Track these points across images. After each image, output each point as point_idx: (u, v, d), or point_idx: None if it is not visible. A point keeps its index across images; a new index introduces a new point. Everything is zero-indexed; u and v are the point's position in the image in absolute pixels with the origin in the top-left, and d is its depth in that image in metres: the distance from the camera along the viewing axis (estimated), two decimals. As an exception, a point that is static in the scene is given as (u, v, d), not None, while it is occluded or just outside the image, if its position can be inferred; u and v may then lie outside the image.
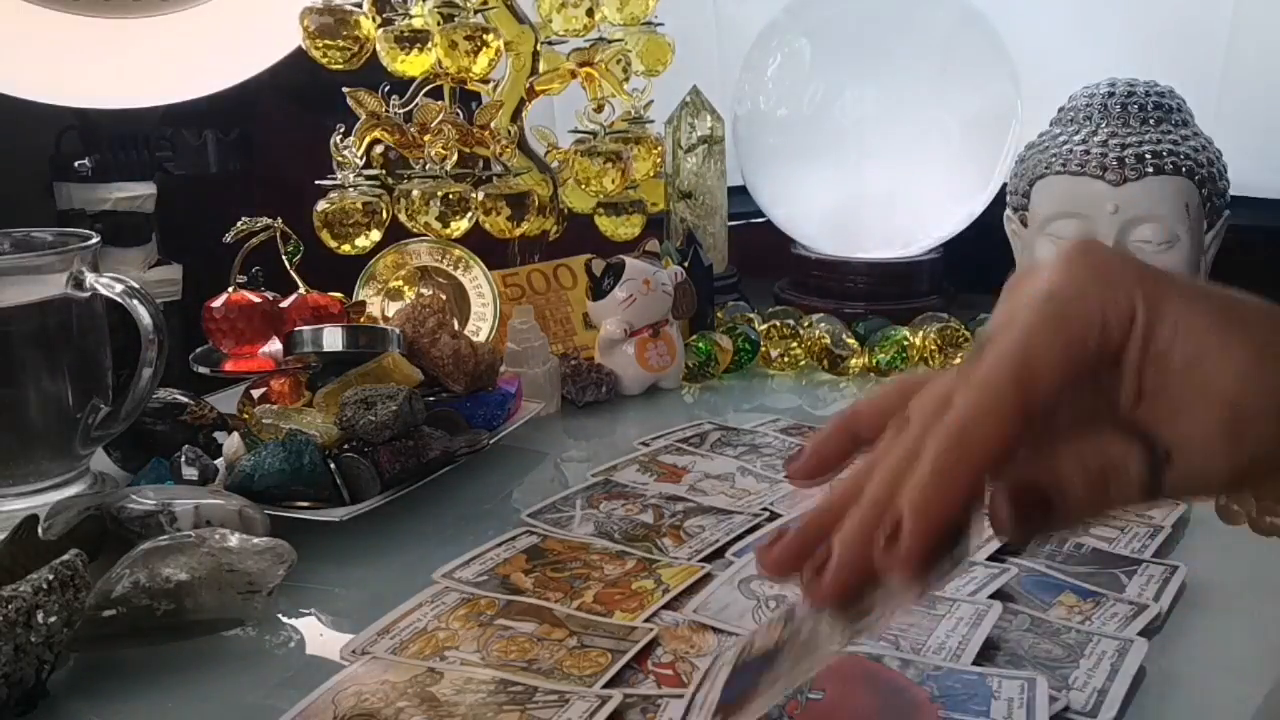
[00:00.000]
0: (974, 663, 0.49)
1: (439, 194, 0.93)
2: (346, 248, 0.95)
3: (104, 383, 0.70)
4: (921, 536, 0.32)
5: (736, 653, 0.39)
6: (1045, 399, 0.32)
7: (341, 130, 0.94)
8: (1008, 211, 1.05)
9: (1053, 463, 0.33)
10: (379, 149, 0.99)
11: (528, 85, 1.03)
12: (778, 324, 0.99)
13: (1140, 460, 0.33)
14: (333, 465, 0.65)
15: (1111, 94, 0.98)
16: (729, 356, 0.96)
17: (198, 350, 0.82)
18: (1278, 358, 0.32)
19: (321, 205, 0.94)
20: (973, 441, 0.32)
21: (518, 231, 0.98)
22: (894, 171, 1.05)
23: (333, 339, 0.75)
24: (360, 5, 0.97)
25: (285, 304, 0.82)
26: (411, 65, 0.95)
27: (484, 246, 0.95)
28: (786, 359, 0.98)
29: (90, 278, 0.66)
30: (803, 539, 0.36)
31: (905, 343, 0.95)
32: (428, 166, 0.94)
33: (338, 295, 0.85)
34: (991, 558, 0.60)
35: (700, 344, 0.95)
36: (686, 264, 0.97)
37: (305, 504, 0.64)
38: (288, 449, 0.64)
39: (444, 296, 0.89)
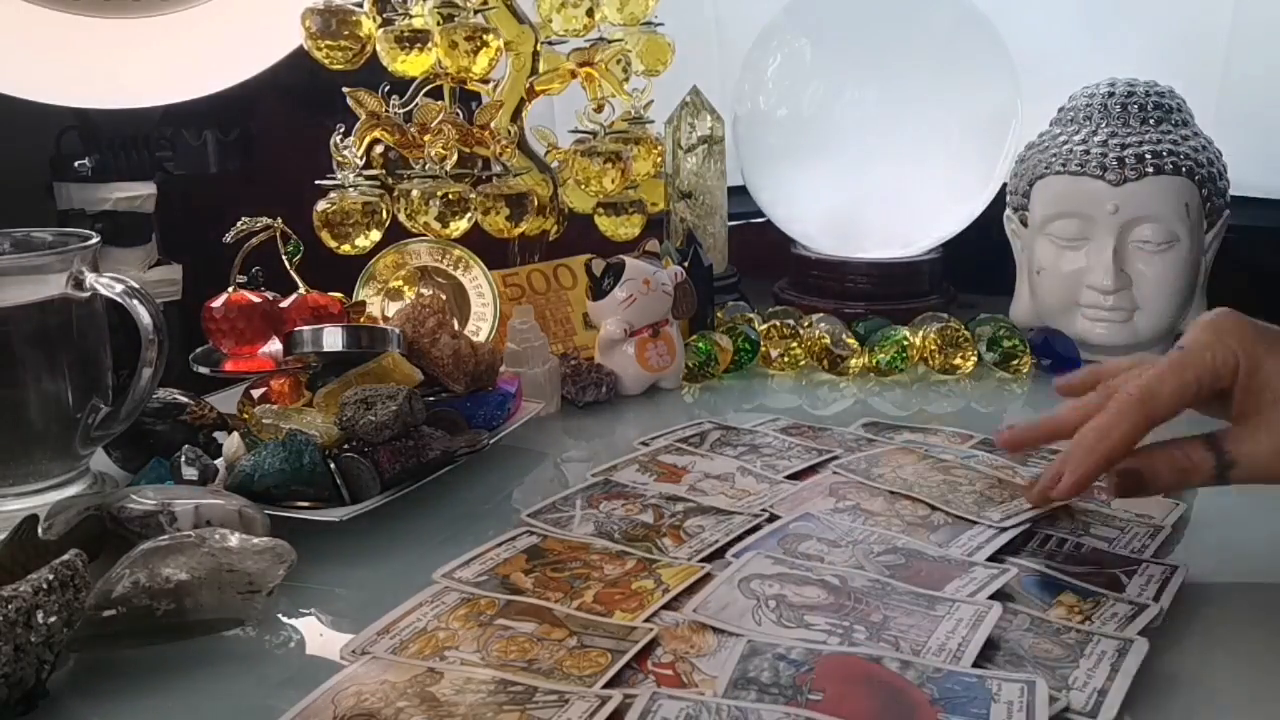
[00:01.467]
0: (974, 663, 0.49)
1: (439, 194, 0.93)
2: (346, 248, 0.95)
3: (104, 383, 0.70)
4: (1073, 485, 0.56)
5: None
6: (1162, 417, 0.53)
7: (341, 130, 0.94)
8: (1008, 211, 1.05)
9: (1155, 459, 0.55)
10: (379, 149, 0.99)
11: (528, 85, 1.03)
12: (778, 324, 0.99)
13: (1210, 463, 0.53)
14: (333, 465, 0.65)
15: (1111, 94, 0.98)
16: (729, 356, 0.96)
17: (198, 350, 0.82)
18: None
19: (321, 205, 0.94)
20: (1110, 437, 0.54)
21: (518, 231, 0.98)
22: (894, 171, 1.05)
23: (333, 339, 0.75)
24: (361, 5, 0.97)
25: (285, 304, 0.82)
26: (411, 65, 0.95)
27: (484, 246, 0.95)
28: (786, 359, 0.98)
29: (90, 278, 0.66)
30: (1034, 435, 0.64)
31: (905, 343, 0.95)
32: (428, 166, 0.94)
33: (338, 295, 0.85)
34: (991, 558, 0.60)
35: (700, 344, 0.95)
36: (686, 264, 0.97)
37: (305, 504, 0.64)
38: (288, 449, 0.64)
39: (444, 296, 0.89)
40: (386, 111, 0.96)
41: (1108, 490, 0.54)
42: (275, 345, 0.81)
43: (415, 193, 0.93)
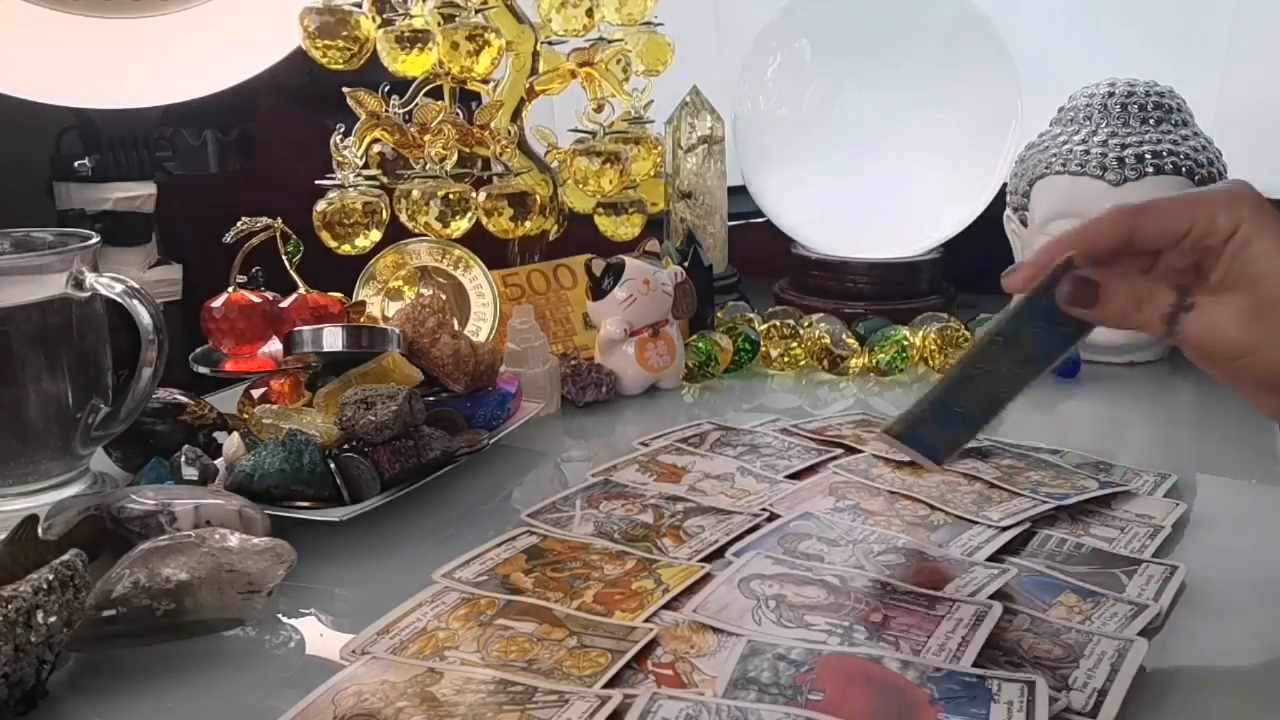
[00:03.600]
0: (974, 663, 0.49)
1: (439, 194, 0.93)
2: (346, 248, 0.95)
3: (104, 383, 0.70)
4: (1029, 266, 0.53)
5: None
6: (1148, 235, 0.51)
7: (341, 130, 0.94)
8: (1008, 211, 1.05)
9: (1116, 278, 0.51)
10: (378, 149, 0.99)
11: (528, 85, 1.03)
12: (778, 324, 0.99)
13: (1170, 300, 0.50)
14: (333, 465, 0.65)
15: (1111, 94, 0.98)
16: (729, 356, 0.96)
17: (198, 350, 0.82)
18: None
19: (321, 205, 0.94)
20: (1087, 232, 0.52)
21: (518, 231, 0.98)
22: (894, 171, 1.05)
23: (333, 339, 0.75)
24: (360, 5, 0.97)
25: (285, 304, 0.82)
26: (412, 65, 0.95)
27: (484, 246, 0.95)
28: (786, 359, 0.98)
29: (90, 278, 0.66)
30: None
31: (905, 343, 0.95)
32: (428, 166, 0.94)
33: (338, 295, 0.85)
34: (991, 558, 0.60)
35: (700, 344, 0.95)
36: (686, 264, 0.97)
37: (305, 504, 0.64)
38: (288, 449, 0.64)
39: (444, 296, 0.89)
40: (386, 111, 0.96)
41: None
42: (275, 345, 0.81)
43: (415, 193, 0.93)
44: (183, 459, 0.68)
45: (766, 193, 1.14)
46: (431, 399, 0.76)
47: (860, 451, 0.76)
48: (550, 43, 1.06)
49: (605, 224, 1.08)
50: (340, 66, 0.97)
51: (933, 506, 0.66)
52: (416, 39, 0.94)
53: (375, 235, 0.95)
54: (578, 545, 0.62)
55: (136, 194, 1.10)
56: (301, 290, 0.83)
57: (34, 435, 0.67)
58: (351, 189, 0.95)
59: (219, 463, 0.70)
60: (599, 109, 1.04)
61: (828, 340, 0.96)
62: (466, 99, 1.05)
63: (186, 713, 0.49)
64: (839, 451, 0.76)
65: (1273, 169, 1.11)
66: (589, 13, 1.02)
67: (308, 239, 0.86)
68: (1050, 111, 1.03)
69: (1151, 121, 0.96)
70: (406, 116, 0.97)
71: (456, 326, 0.87)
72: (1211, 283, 0.50)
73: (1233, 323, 0.49)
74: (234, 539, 0.55)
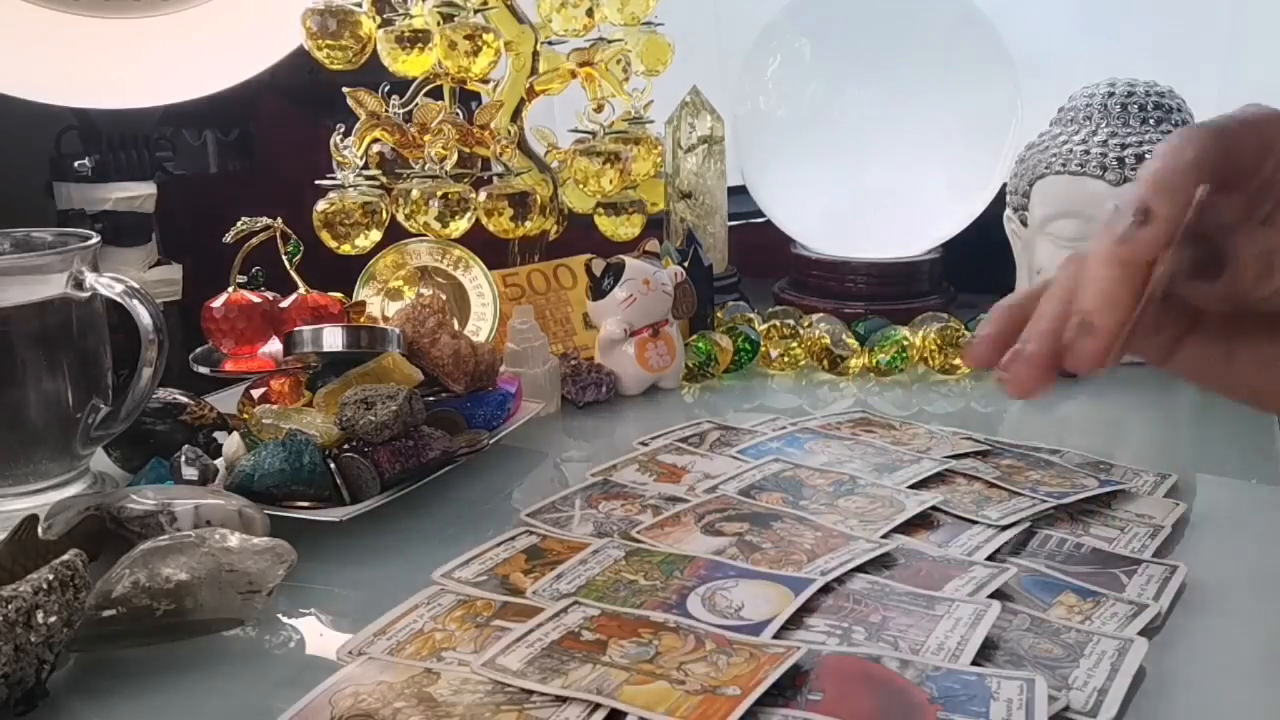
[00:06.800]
0: (973, 663, 0.49)
1: (439, 194, 0.93)
2: (346, 248, 0.95)
3: (104, 383, 0.70)
4: (1109, 330, 0.36)
5: None
6: (1186, 194, 0.34)
7: (341, 130, 0.94)
8: (1008, 211, 1.05)
9: (1226, 244, 0.35)
10: (378, 149, 0.99)
11: (528, 85, 1.03)
12: (778, 324, 0.99)
13: None
14: (333, 465, 0.65)
15: (1111, 94, 0.98)
16: (729, 356, 0.96)
17: (198, 350, 0.82)
18: None
19: (321, 205, 0.94)
20: (1146, 236, 0.34)
21: (518, 231, 0.98)
22: (894, 171, 1.05)
23: (333, 339, 0.75)
24: (361, 5, 0.97)
25: (285, 304, 0.82)
26: (412, 65, 0.95)
27: (484, 246, 0.95)
28: (786, 359, 0.98)
29: (90, 278, 0.66)
30: (1001, 334, 0.40)
31: (905, 343, 0.95)
32: (428, 166, 0.94)
33: (338, 295, 0.85)
34: (991, 558, 0.60)
35: (700, 344, 0.95)
36: (686, 264, 0.97)
37: (305, 504, 0.64)
38: (288, 449, 0.64)
39: (444, 296, 0.89)
40: (386, 111, 0.96)
41: (1184, 272, 0.35)
42: (275, 345, 0.81)
43: (415, 193, 0.93)
44: (183, 459, 0.68)
45: (766, 193, 1.14)
46: (431, 399, 0.76)
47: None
48: (550, 43, 1.06)
49: (605, 224, 1.08)
50: (341, 66, 0.97)
51: (934, 508, 0.66)
52: (416, 39, 0.94)
53: (375, 235, 0.95)
54: (577, 545, 0.62)
55: (136, 194, 1.10)
56: (301, 290, 0.83)
57: (34, 435, 0.67)
58: (351, 189, 0.95)
59: (219, 463, 0.70)
60: (599, 109, 1.04)
61: (828, 340, 0.96)
62: (466, 99, 1.05)
63: (186, 713, 0.49)
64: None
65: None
66: (589, 13, 1.02)
67: (308, 239, 0.87)
68: (1050, 111, 1.03)
69: (1151, 121, 0.96)
70: (406, 116, 0.97)
71: (456, 326, 0.87)
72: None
73: None
74: (234, 539, 0.55)
